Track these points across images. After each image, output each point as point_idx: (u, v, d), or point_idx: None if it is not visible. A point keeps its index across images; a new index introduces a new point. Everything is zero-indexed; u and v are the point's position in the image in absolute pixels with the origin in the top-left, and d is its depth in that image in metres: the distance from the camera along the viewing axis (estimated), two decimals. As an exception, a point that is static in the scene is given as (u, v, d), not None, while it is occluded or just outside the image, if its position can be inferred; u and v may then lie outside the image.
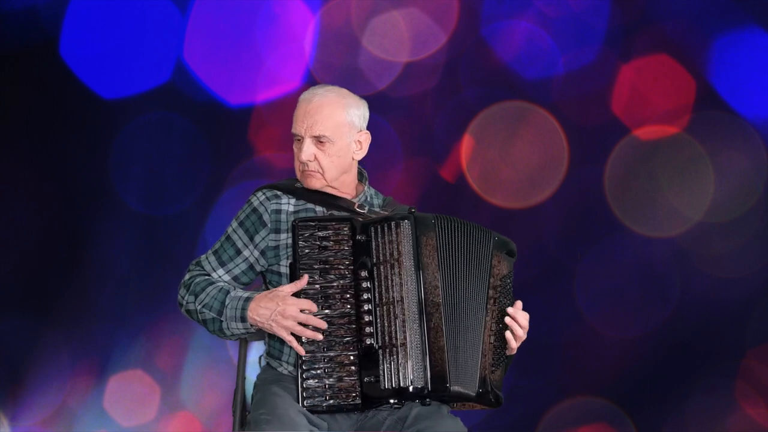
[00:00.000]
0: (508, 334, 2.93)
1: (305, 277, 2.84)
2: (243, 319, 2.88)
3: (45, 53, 4.64)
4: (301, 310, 2.83)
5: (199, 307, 2.94)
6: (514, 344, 2.94)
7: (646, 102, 4.62)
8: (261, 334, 3.00)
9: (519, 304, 2.97)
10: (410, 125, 4.68)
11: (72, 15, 4.64)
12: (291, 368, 2.94)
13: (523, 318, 2.94)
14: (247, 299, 2.88)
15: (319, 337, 2.83)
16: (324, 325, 2.84)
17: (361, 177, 3.11)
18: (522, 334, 2.95)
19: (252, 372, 3.09)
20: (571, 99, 4.64)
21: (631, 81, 4.62)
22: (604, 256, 4.64)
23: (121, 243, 4.66)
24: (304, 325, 2.84)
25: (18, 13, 4.62)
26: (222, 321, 2.91)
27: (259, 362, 3.09)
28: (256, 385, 3.02)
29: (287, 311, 2.83)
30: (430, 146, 4.70)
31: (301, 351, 2.83)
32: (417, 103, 4.68)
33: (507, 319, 2.92)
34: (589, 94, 4.64)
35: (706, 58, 4.59)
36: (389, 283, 2.83)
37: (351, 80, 4.61)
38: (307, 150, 2.95)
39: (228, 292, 2.92)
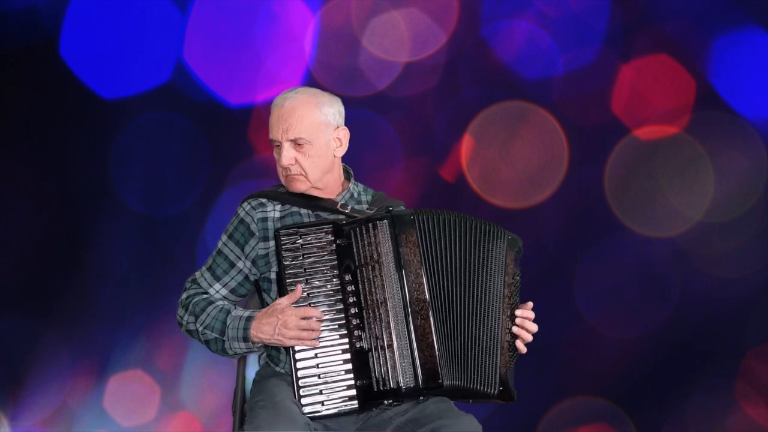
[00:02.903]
0: (518, 337, 2.94)
1: (299, 288, 2.85)
2: (245, 339, 2.90)
3: (45, 53, 4.64)
4: (302, 318, 2.85)
5: (200, 328, 2.94)
6: (523, 347, 2.96)
7: (646, 102, 4.62)
8: (263, 349, 3.01)
9: (529, 305, 2.97)
10: (410, 125, 4.68)
11: (72, 15, 4.64)
12: (288, 368, 2.94)
13: (532, 324, 2.95)
14: (249, 318, 2.90)
15: (324, 334, 2.85)
16: (324, 332, 2.86)
17: (347, 174, 3.11)
18: (530, 338, 2.96)
19: (252, 372, 3.10)
20: (571, 99, 4.64)
21: (631, 81, 4.62)
22: (604, 256, 4.64)
23: (121, 243, 4.66)
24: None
25: (18, 13, 4.62)
26: (224, 341, 2.92)
27: (259, 361, 3.09)
28: (255, 381, 3.03)
29: (288, 322, 2.84)
30: (430, 146, 4.69)
31: (315, 343, 2.84)
32: (417, 103, 4.67)
33: (515, 328, 2.93)
34: (589, 94, 4.64)
35: (706, 58, 4.59)
36: (372, 285, 2.85)
37: (351, 80, 4.61)
38: (287, 154, 2.94)
39: (228, 311, 2.93)
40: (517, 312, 2.93)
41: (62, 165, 4.68)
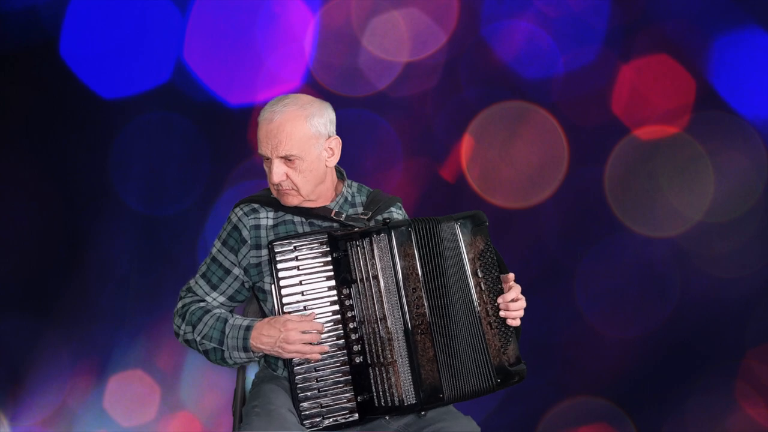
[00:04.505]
0: (507, 320, 2.90)
1: (312, 317, 2.82)
2: (246, 349, 2.87)
3: (45, 53, 4.64)
4: (303, 332, 2.83)
5: (198, 338, 2.91)
6: (514, 323, 2.91)
7: (646, 102, 4.62)
8: (264, 358, 3.01)
9: (510, 278, 2.93)
10: (410, 125, 4.68)
11: (72, 15, 4.64)
12: (286, 374, 2.93)
13: (516, 305, 2.90)
14: (248, 328, 2.86)
15: (326, 348, 2.83)
16: (325, 346, 2.84)
17: (340, 175, 3.07)
18: (519, 314, 2.91)
19: (251, 372, 3.10)
20: (571, 99, 4.64)
21: (631, 81, 4.62)
22: (604, 256, 4.64)
23: (121, 243, 4.66)
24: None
25: (18, 13, 4.62)
26: (224, 350, 2.89)
27: (258, 362, 3.08)
28: (253, 383, 3.02)
29: (290, 337, 2.81)
30: (430, 146, 4.69)
31: (316, 356, 2.83)
32: (417, 103, 4.67)
33: (502, 312, 2.88)
34: (589, 94, 4.64)
35: (706, 58, 4.59)
36: (371, 300, 2.82)
37: (351, 80, 4.61)
38: (278, 171, 2.88)
39: (226, 320, 2.90)
40: (499, 300, 2.88)
41: (62, 165, 4.68)
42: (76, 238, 4.67)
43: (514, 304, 2.89)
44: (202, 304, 2.96)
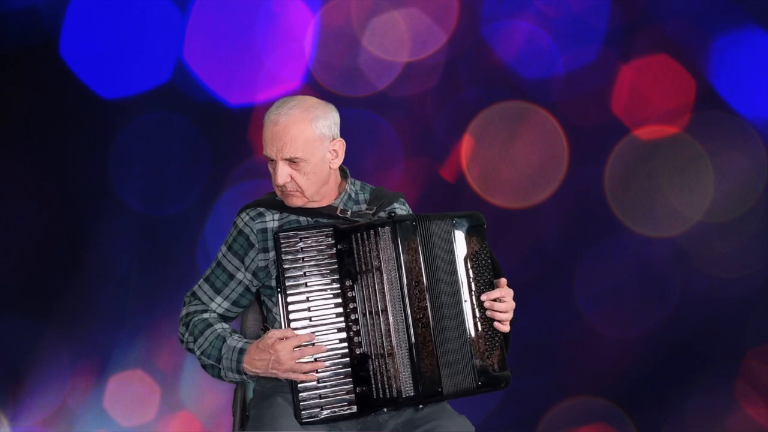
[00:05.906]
0: (494, 323, 2.89)
1: (304, 336, 2.82)
2: (239, 372, 2.88)
3: (45, 53, 4.64)
4: (295, 347, 2.82)
5: (198, 353, 2.94)
6: (502, 327, 2.90)
7: (646, 102, 4.62)
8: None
9: (502, 282, 2.92)
10: (410, 125, 4.68)
11: (72, 15, 4.64)
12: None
13: (501, 306, 2.88)
14: (241, 351, 2.87)
15: (320, 365, 2.82)
16: (320, 348, 2.83)
17: (343, 173, 3.08)
18: (505, 317, 2.89)
19: (252, 372, 3.09)
20: (571, 99, 4.64)
21: (631, 81, 4.62)
22: (604, 256, 4.64)
23: (121, 243, 4.66)
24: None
25: (18, 13, 4.62)
26: (220, 369, 2.91)
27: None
28: (254, 390, 3.02)
29: (281, 358, 2.81)
30: (430, 146, 4.69)
31: (313, 377, 2.83)
32: (417, 103, 4.67)
33: (487, 312, 2.87)
34: (589, 94, 4.64)
35: (706, 58, 4.59)
36: (373, 292, 2.83)
37: (351, 80, 4.61)
38: (282, 172, 2.90)
39: (224, 339, 2.91)
40: (483, 297, 2.87)
41: (62, 165, 4.68)
42: (76, 238, 4.67)
43: (499, 305, 2.89)
44: (205, 315, 2.96)
